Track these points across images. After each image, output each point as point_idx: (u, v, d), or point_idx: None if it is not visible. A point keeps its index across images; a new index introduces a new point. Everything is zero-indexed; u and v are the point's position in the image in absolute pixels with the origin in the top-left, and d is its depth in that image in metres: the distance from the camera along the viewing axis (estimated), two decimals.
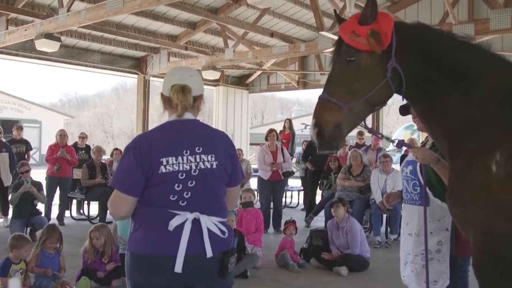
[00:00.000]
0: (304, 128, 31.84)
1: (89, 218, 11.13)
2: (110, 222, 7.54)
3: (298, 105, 51.42)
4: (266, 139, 10.69)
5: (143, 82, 16.34)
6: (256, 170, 11.96)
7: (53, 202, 11.11)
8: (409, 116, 3.67)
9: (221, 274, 2.77)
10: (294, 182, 15.89)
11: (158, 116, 56.26)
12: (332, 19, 13.38)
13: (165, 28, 14.57)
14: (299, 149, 15.98)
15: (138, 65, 16.32)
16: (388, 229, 9.62)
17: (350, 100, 2.91)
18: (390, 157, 9.77)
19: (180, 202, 2.70)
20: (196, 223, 2.71)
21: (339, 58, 3.02)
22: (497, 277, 2.65)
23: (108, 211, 6.70)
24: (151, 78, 16.63)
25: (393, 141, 3.47)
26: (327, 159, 11.13)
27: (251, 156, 23.29)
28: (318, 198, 11.97)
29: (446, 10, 12.69)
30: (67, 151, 11.05)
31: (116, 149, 13.34)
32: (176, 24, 14.28)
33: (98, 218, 10.65)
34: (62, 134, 11.26)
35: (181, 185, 2.70)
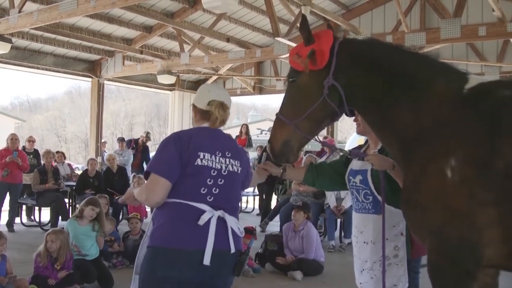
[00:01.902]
0: (260, 133, 31.93)
1: (40, 225, 10.88)
2: (62, 229, 7.38)
3: (254, 110, 51.62)
4: None
5: (97, 85, 16.06)
6: None
7: (2, 208, 10.81)
8: None
9: (237, 271, 3.02)
10: (249, 187, 15.88)
11: (113, 120, 55.53)
12: (288, 25, 13.49)
13: (120, 32, 14.39)
14: (254, 154, 16.02)
15: (92, 68, 16.05)
16: (342, 233, 9.75)
17: (295, 117, 3.11)
18: None
19: (208, 197, 2.93)
20: (220, 220, 2.93)
21: (287, 79, 3.27)
22: (452, 281, 2.70)
23: (87, 208, 6.59)
24: (106, 82, 16.39)
25: (347, 153, 3.68)
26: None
27: None
28: (273, 203, 12.02)
29: (399, 19, 12.96)
30: (19, 156, 10.76)
31: (58, 152, 13.04)
32: (132, 27, 14.12)
33: (49, 224, 10.42)
34: (14, 138, 10.95)
35: (212, 180, 2.95)
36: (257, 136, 28.93)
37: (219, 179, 2.97)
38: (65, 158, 13.23)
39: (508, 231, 2.53)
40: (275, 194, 11.68)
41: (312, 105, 3.06)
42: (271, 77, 17.87)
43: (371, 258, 3.65)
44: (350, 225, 9.21)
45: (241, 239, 3.08)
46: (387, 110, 2.99)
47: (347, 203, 9.20)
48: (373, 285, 3.64)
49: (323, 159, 11.66)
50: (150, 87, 18.20)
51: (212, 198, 2.93)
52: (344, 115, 3.28)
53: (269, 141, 3.26)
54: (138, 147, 14.55)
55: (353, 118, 3.58)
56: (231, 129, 23.97)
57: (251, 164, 3.71)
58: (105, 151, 16.69)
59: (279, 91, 17.56)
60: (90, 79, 16.19)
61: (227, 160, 3.05)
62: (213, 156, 2.98)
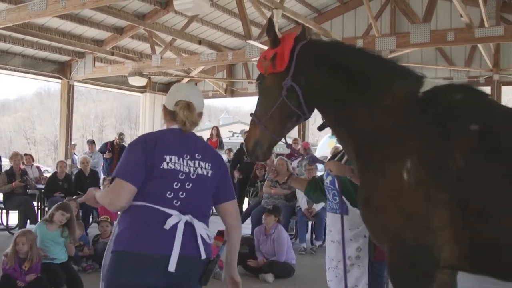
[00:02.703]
0: (231, 136, 31.95)
1: (8, 228, 10.68)
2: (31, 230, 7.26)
3: (225, 113, 51.58)
4: None
5: (67, 87, 15.87)
6: None
7: None
8: None
9: (204, 280, 2.89)
10: None
11: (83, 122, 54.92)
12: (260, 28, 13.54)
13: (91, 33, 14.25)
14: (224, 157, 16.00)
15: (62, 70, 15.85)
16: (313, 236, 9.79)
17: (263, 117, 3.27)
18: (316, 165, 9.95)
19: (174, 202, 2.81)
20: (188, 225, 2.81)
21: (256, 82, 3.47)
22: (410, 282, 2.74)
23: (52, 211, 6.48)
24: (76, 83, 16.20)
25: (310, 159, 3.79)
26: (254, 167, 11.21)
27: None
28: (245, 206, 12.02)
29: (370, 23, 13.11)
30: None
31: (26, 154, 12.83)
32: (102, 28, 14.00)
33: (17, 228, 10.24)
34: None
35: (179, 184, 2.83)
36: (229, 139, 28.97)
37: (187, 183, 2.85)
38: (33, 160, 13.02)
39: (460, 232, 2.58)
40: (247, 196, 11.68)
41: (273, 106, 3.20)
42: (243, 79, 17.90)
43: (336, 257, 3.73)
44: (321, 228, 9.27)
45: (210, 246, 2.95)
46: (345, 111, 3.05)
47: (318, 205, 9.25)
48: (337, 284, 3.71)
49: (295, 163, 11.72)
50: (121, 89, 18.06)
51: (179, 202, 2.82)
52: (318, 117, 3.37)
53: (244, 139, 3.43)
54: (114, 149, 14.29)
55: (318, 129, 3.65)
56: (203, 132, 23.90)
57: None
58: (75, 154, 16.49)
59: (251, 94, 17.60)
60: (60, 81, 16.00)
61: (196, 162, 2.92)
62: (181, 159, 2.87)
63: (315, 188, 4.16)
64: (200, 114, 3.09)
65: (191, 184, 2.86)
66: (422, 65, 14.85)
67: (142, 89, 17.96)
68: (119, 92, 20.33)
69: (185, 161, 2.88)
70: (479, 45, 12.81)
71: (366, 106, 2.96)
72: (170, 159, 2.84)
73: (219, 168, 3.04)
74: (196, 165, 2.91)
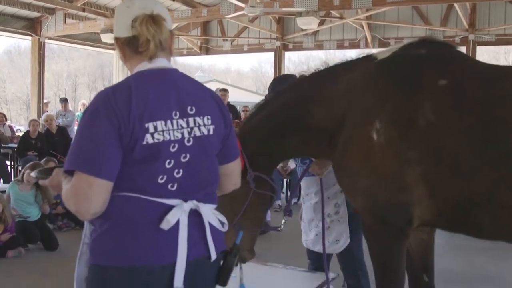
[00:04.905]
0: None
1: None
2: (4, 191, 7.21)
3: (200, 71, 51.04)
4: None
5: (37, 44, 15.48)
6: None
7: None
8: None
9: (222, 280, 2.11)
10: None
11: (55, 81, 53.78)
12: None
13: None
14: None
15: (32, 27, 15.42)
16: (288, 193, 9.89)
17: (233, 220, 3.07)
18: None
19: (169, 186, 1.94)
20: (193, 215, 1.99)
21: None
22: (385, 239, 2.80)
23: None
24: (47, 41, 15.82)
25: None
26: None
27: None
28: None
29: None
30: None
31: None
32: None
33: None
34: None
35: (172, 161, 1.93)
36: None
37: (182, 155, 1.96)
38: (6, 119, 12.81)
39: (433, 187, 2.61)
40: None
41: (244, 204, 3.12)
42: (218, 37, 17.69)
43: (316, 217, 3.76)
44: (297, 185, 9.40)
45: (223, 235, 2.14)
46: (303, 134, 3.09)
47: (292, 163, 9.32)
48: (317, 241, 3.75)
49: None
50: (94, 46, 17.71)
51: (176, 185, 1.95)
52: None
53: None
54: None
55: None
56: None
57: None
58: (47, 112, 16.26)
59: (226, 52, 17.43)
60: (30, 38, 15.59)
61: (191, 120, 1.99)
62: (169, 123, 1.93)
63: None
64: (171, 34, 2.11)
65: (188, 156, 1.97)
66: (398, 23, 14.83)
67: (114, 47, 17.62)
68: (92, 50, 19.97)
69: (174, 123, 1.94)
70: (456, 5, 12.81)
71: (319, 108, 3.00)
72: (155, 128, 1.89)
73: (222, 118, 2.13)
74: (191, 124, 1.99)
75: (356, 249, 3.75)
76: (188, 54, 19.01)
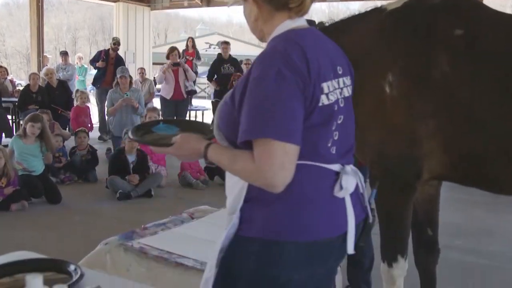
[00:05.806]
0: (208, 47, 31.40)
1: None
2: (6, 146, 7.21)
3: (202, 24, 50.45)
4: (168, 57, 10.50)
5: None
6: (159, 90, 11.87)
7: None
8: None
9: (362, 240, 1.96)
10: (198, 102, 15.80)
11: (55, 34, 53.33)
12: None
13: None
14: (204, 68, 15.82)
15: None
16: None
17: None
18: None
19: (331, 150, 1.83)
20: (350, 179, 1.88)
21: None
22: (393, 192, 2.78)
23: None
24: None
25: None
26: (231, 77, 11.19)
27: (155, 76, 22.82)
28: None
29: None
30: None
31: (1, 66, 12.44)
32: None
33: None
34: None
35: (335, 123, 1.83)
36: (205, 51, 28.50)
37: (339, 116, 1.86)
38: (8, 73, 12.68)
39: (448, 140, 2.57)
40: None
41: None
42: None
43: None
44: None
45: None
46: None
47: None
48: None
49: None
50: None
51: (335, 148, 1.84)
52: None
53: None
54: (109, 58, 12.07)
55: None
56: (179, 43, 23.46)
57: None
58: (47, 65, 16.13)
59: (228, 3, 17.14)
60: None
61: (341, 80, 1.89)
62: (332, 83, 1.82)
63: None
64: None
65: (342, 117, 1.87)
66: None
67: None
68: (91, 2, 19.65)
69: (335, 83, 1.84)
70: None
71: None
72: (328, 88, 1.79)
73: (352, 78, 2.04)
74: (341, 84, 1.89)
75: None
76: (189, 6, 18.70)
